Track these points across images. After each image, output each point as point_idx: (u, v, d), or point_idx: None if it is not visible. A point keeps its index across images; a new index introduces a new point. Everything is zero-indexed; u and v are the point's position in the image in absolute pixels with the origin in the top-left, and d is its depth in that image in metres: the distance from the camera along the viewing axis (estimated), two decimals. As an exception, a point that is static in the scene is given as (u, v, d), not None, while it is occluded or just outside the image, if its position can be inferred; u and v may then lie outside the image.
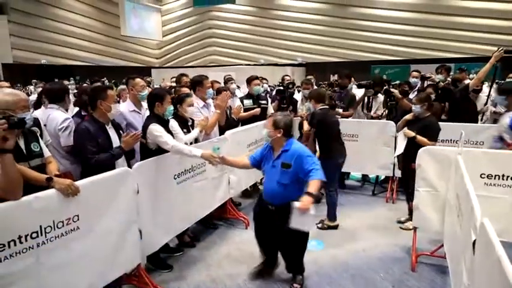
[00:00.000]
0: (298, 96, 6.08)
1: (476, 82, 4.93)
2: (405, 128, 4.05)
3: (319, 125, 4.12)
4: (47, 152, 2.53)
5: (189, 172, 3.58)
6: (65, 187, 2.22)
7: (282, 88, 5.78)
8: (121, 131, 3.11)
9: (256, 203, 3.23)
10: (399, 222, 4.34)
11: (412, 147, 3.82)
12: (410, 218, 4.22)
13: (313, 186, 2.67)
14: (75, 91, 6.23)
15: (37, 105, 4.04)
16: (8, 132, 1.88)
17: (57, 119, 3.24)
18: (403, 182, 4.56)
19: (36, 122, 2.80)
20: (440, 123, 4.75)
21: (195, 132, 3.67)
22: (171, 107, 3.35)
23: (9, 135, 1.89)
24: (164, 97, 3.27)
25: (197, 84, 4.26)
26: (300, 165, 2.77)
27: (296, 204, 2.57)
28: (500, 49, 4.48)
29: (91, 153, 2.75)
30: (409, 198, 4.24)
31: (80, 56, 19.86)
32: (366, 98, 5.56)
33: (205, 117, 3.83)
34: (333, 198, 4.23)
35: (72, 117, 3.56)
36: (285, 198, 2.77)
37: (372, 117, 5.43)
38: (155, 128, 3.15)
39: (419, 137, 3.83)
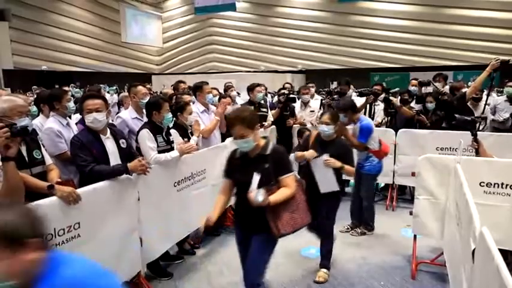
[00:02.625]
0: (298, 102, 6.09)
1: (473, 90, 4.96)
2: (325, 156, 3.13)
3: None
4: (48, 160, 2.55)
5: (189, 179, 3.59)
6: (66, 195, 2.23)
7: (293, 96, 5.72)
8: (123, 140, 2.96)
9: None
10: None
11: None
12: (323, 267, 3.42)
13: None
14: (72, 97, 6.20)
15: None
16: (10, 140, 1.90)
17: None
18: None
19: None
20: (439, 131, 4.81)
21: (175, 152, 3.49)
22: (169, 115, 3.36)
23: (11, 143, 1.91)
24: (162, 106, 3.29)
25: (197, 89, 4.41)
26: None
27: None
28: (496, 59, 4.53)
29: (84, 162, 2.63)
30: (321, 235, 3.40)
31: (80, 62, 19.94)
32: (367, 105, 5.59)
33: (195, 121, 3.86)
34: None
35: (76, 124, 3.58)
36: None
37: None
38: (143, 136, 3.20)
39: (347, 167, 3.18)
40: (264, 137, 2.44)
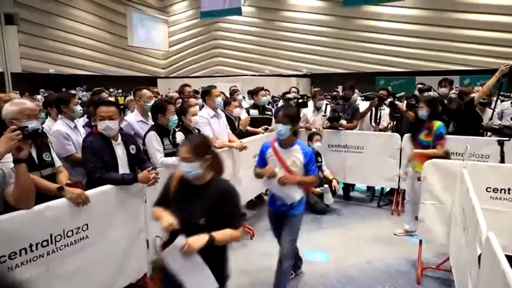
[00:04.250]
0: (310, 105, 6.03)
1: (481, 95, 4.95)
2: (180, 240, 1.81)
3: None
4: (57, 162, 2.59)
5: (196, 182, 3.61)
6: (75, 196, 2.26)
7: (303, 100, 5.68)
8: (133, 146, 2.98)
9: None
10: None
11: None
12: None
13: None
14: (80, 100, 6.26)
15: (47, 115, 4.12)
16: (22, 143, 1.93)
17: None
18: None
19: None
20: (446, 136, 4.78)
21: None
22: (174, 117, 3.39)
23: (23, 146, 1.94)
24: (166, 108, 3.33)
25: (205, 94, 4.43)
26: None
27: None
28: (506, 64, 4.53)
29: (94, 168, 2.68)
30: None
31: (87, 65, 20.11)
32: (373, 109, 5.60)
33: (214, 140, 3.91)
34: None
35: (83, 126, 3.63)
36: None
37: (380, 130, 5.46)
38: (151, 138, 3.24)
39: (220, 237, 1.89)
40: None
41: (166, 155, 3.28)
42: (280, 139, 2.88)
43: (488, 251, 1.58)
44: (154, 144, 3.21)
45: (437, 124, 3.89)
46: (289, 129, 2.77)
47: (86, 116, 4.24)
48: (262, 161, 2.96)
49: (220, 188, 2.02)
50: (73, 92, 8.97)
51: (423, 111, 3.97)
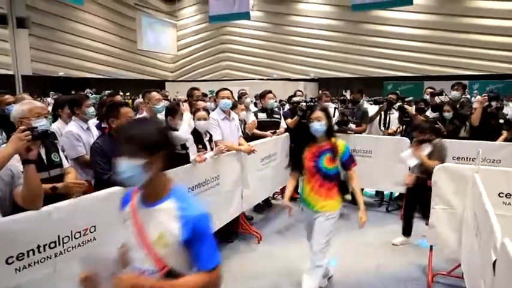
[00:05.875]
0: None
1: (474, 123, 4.88)
2: None
3: None
4: (66, 163, 2.59)
5: (203, 185, 3.60)
6: (71, 186, 2.32)
7: (314, 105, 5.64)
8: None
9: None
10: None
11: None
12: None
13: None
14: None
15: (54, 117, 4.15)
16: (31, 143, 1.94)
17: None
18: None
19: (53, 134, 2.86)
20: (456, 140, 4.72)
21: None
22: None
23: (32, 146, 1.95)
24: (177, 112, 3.36)
25: (216, 96, 4.49)
26: None
27: None
28: (484, 95, 4.77)
29: (102, 169, 2.70)
30: None
31: (96, 69, 20.36)
32: (382, 113, 5.55)
33: (226, 146, 3.88)
34: None
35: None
36: None
37: (389, 134, 5.41)
38: None
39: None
40: None
41: (174, 156, 3.27)
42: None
43: (504, 257, 1.53)
44: None
45: (343, 145, 2.86)
46: (141, 166, 1.32)
47: (96, 117, 4.27)
48: None
49: None
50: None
51: (321, 124, 2.75)
